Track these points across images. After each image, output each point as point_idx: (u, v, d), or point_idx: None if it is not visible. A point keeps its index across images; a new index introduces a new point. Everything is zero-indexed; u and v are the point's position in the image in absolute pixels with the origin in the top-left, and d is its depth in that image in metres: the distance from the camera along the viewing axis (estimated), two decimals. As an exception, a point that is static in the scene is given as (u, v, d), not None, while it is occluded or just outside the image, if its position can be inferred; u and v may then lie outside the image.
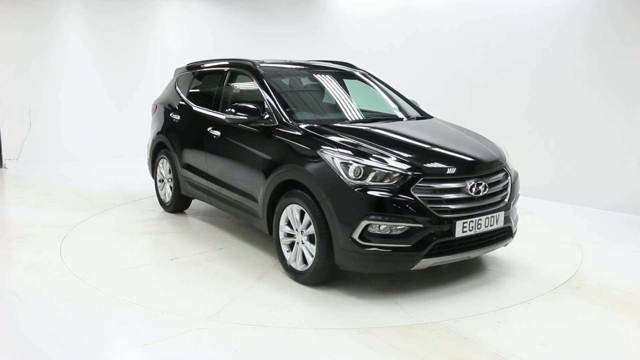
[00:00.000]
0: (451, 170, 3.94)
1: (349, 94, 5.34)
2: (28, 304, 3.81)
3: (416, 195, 3.76)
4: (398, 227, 3.72)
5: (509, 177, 4.29)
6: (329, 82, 5.37)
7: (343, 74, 5.54)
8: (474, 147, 4.36)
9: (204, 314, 3.69)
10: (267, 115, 4.64)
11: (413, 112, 5.27)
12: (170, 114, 6.10)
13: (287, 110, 4.65)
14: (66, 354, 3.16)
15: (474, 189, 3.92)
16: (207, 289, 4.15)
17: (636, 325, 3.60)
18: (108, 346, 3.31)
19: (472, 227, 3.89)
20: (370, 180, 3.78)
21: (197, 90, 5.96)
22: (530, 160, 7.30)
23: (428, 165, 3.93)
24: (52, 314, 3.67)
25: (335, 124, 4.54)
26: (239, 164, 4.89)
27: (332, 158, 3.92)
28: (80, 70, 9.64)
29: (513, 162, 4.66)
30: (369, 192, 3.75)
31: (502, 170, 4.25)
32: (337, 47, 9.63)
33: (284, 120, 4.52)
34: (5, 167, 8.86)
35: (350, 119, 4.80)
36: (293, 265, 4.22)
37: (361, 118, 4.87)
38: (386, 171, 3.80)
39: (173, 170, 6.01)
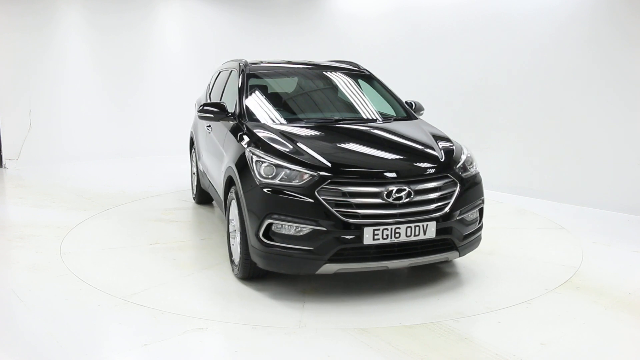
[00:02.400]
0: (364, 174, 3.76)
1: (330, 94, 5.34)
2: (28, 304, 3.81)
3: (321, 197, 3.64)
4: (301, 229, 3.65)
5: (457, 186, 3.95)
6: (313, 83, 5.40)
7: (337, 74, 5.50)
8: (409, 153, 4.15)
9: (121, 292, 3.98)
10: (230, 113, 4.82)
11: (395, 113, 5.10)
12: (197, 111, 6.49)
13: (246, 108, 4.76)
14: (66, 354, 3.16)
15: (392, 195, 3.70)
16: (150, 272, 4.43)
17: (636, 325, 3.60)
18: (108, 346, 3.31)
19: (388, 235, 3.65)
20: (279, 180, 3.77)
21: (214, 88, 6.27)
22: (530, 160, 7.31)
23: (339, 167, 3.77)
24: (52, 314, 3.67)
25: (284, 124, 4.58)
26: (215, 158, 5.13)
27: (251, 156, 3.98)
28: (80, 70, 9.64)
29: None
30: (274, 191, 3.74)
31: (443, 177, 3.93)
32: (337, 47, 9.63)
33: (240, 117, 4.68)
34: (5, 167, 8.86)
35: (312, 120, 4.77)
36: (233, 258, 4.34)
37: (326, 119, 4.82)
38: (296, 171, 3.75)
39: (196, 163, 6.44)
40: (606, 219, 6.19)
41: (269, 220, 3.70)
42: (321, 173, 3.70)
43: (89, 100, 9.76)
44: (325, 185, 3.66)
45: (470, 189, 4.06)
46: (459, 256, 4.05)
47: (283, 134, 4.23)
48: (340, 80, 5.43)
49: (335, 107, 5.14)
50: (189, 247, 5.07)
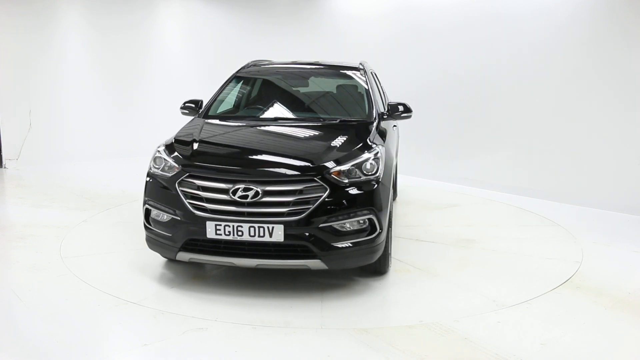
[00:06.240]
0: (213, 171, 3.89)
1: (301, 94, 5.45)
2: (28, 304, 3.81)
3: (179, 189, 3.91)
4: (163, 216, 4.00)
5: (326, 192, 3.72)
6: (297, 83, 5.51)
7: (329, 74, 5.66)
8: (286, 155, 4.06)
9: (62, 258, 4.64)
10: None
11: (360, 115, 4.91)
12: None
13: (208, 106, 5.14)
14: (66, 354, 3.16)
15: (237, 194, 3.72)
16: (104, 246, 5.00)
17: (636, 325, 3.60)
18: (108, 346, 3.31)
19: (230, 232, 3.70)
20: (160, 170, 4.12)
21: None
22: (530, 160, 7.31)
23: (196, 162, 4.01)
24: (52, 314, 3.67)
25: (222, 122, 4.89)
26: None
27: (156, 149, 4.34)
28: (80, 70, 9.64)
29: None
30: (153, 180, 4.14)
31: (308, 181, 3.75)
32: (337, 47, 9.63)
33: (200, 114, 5.08)
34: (5, 167, 8.86)
35: (252, 119, 5.03)
36: None
37: (266, 118, 5.00)
38: (170, 164, 4.07)
39: None
40: (606, 219, 6.19)
41: (146, 206, 4.15)
42: (182, 167, 3.98)
43: (89, 100, 9.75)
44: (185, 178, 3.92)
45: (353, 197, 3.81)
46: (327, 268, 3.79)
47: (201, 130, 4.53)
48: (325, 81, 5.53)
49: (289, 107, 5.24)
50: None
